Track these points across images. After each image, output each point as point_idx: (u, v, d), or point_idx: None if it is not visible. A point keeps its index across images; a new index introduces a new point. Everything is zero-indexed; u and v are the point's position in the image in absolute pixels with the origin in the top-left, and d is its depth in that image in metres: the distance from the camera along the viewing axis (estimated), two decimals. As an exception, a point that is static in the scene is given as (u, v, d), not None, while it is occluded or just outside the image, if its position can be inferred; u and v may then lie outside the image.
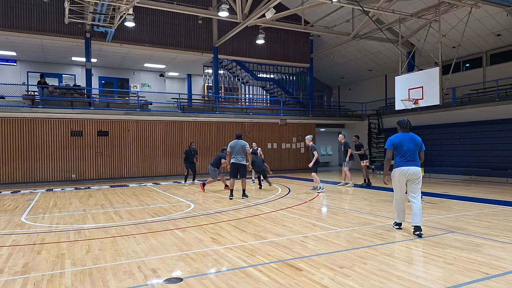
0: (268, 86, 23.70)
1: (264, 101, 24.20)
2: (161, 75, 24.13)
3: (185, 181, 14.65)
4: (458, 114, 17.15)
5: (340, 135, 13.26)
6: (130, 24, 15.26)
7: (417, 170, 5.80)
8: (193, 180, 14.88)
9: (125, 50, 18.94)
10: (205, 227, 6.58)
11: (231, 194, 10.18)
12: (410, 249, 5.02)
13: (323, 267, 4.24)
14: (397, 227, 6.25)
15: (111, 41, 17.57)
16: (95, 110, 16.16)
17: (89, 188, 14.18)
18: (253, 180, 14.82)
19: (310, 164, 11.26)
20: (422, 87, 13.79)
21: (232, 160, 10.11)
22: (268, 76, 23.14)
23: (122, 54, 19.72)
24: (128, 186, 14.71)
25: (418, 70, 14.72)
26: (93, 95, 17.36)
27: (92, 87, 17.95)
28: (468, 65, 19.60)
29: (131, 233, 6.18)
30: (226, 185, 12.29)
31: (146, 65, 22.18)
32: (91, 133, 16.94)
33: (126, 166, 17.62)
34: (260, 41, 19.54)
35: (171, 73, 24.22)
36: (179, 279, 3.91)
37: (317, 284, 3.72)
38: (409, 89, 14.34)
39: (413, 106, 14.18)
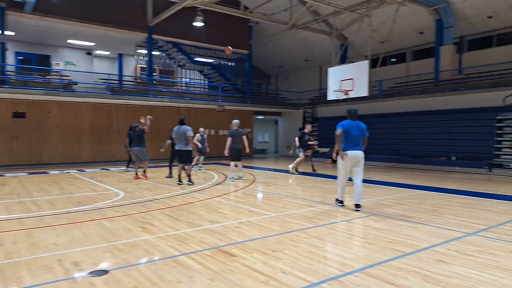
0: (206, 70, 23.24)
1: (202, 86, 23.71)
2: (89, 53, 22.35)
3: (127, 167, 13.95)
4: (384, 105, 18.37)
5: (308, 125, 13.57)
6: (53, -6, 13.84)
7: (361, 154, 6.64)
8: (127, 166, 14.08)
9: (47, 23, 17.13)
10: (136, 216, 6.27)
11: (179, 180, 10.04)
12: (337, 231, 5.33)
13: (256, 252, 4.29)
14: (340, 204, 7.03)
15: (31, 12, 15.78)
16: (9, 89, 14.50)
17: (2, 175, 12.76)
18: (200, 167, 14.53)
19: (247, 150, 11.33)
20: (353, 79, 14.48)
21: (175, 147, 9.88)
22: (206, 60, 22.65)
23: (43, 28, 17.83)
24: (49, 173, 13.52)
25: (350, 63, 15.44)
26: (7, 72, 15.56)
27: (7, 63, 16.07)
28: (394, 59, 21.00)
29: (51, 224, 5.67)
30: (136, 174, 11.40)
31: (71, 41, 20.35)
32: (5, 114, 15.18)
33: (46, 151, 16.12)
34: (198, 24, 18.96)
35: (99, 52, 22.48)
36: (105, 271, 3.66)
37: (249, 269, 3.74)
38: (341, 81, 14.97)
39: (344, 96, 14.86)
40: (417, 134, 16.77)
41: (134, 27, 18.75)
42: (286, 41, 23.25)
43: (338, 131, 6.69)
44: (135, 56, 22.55)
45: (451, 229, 5.37)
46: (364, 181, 10.90)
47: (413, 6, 16.11)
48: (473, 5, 15.84)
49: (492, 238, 4.94)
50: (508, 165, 12.97)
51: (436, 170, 14.72)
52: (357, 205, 6.63)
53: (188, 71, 22.96)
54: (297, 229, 5.32)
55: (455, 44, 17.27)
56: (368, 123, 18.84)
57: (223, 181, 10.94)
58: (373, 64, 14.90)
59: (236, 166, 11.20)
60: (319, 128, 21.85)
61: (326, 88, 16.30)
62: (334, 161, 17.82)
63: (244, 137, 11.13)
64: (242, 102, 21.76)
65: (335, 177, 11.58)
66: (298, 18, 18.51)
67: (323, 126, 21.53)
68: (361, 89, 14.20)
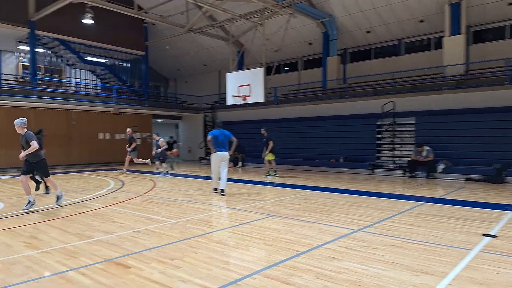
0: (98, 71, 21.79)
1: (94, 87, 22.15)
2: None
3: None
4: (279, 111, 19.52)
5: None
6: None
7: (226, 154, 9.13)
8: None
9: None
10: (17, 230, 5.67)
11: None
12: (237, 234, 5.43)
13: (153, 261, 4.22)
14: (215, 191, 9.33)
15: None
16: None
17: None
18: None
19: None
20: (249, 85, 15.15)
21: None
22: (98, 60, 21.25)
23: None
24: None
25: (246, 69, 16.11)
26: None
27: None
28: (287, 68, 22.50)
29: None
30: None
31: None
32: None
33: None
34: (88, 21, 17.65)
35: (-30, 46, 19.53)
36: (-22, 297, 3.30)
37: (146, 280, 3.68)
38: (238, 86, 15.54)
39: (242, 102, 15.46)
40: (309, 138, 18.01)
41: (13, 21, 16.74)
42: (184, 45, 23.15)
43: (209, 137, 9.16)
44: (16, 53, 20.06)
45: (340, 227, 5.76)
46: (262, 183, 11.67)
47: (302, 18, 17.52)
48: (354, 20, 17.88)
49: (375, 233, 5.36)
50: (388, 166, 14.49)
51: (327, 171, 15.90)
52: (222, 190, 9.08)
53: (78, 71, 21.24)
54: (197, 235, 5.33)
55: (339, 55, 19.27)
56: (266, 128, 19.71)
57: (119, 188, 10.46)
58: (268, 72, 15.77)
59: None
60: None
61: (225, 93, 16.73)
62: (235, 165, 18.55)
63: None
64: (140, 105, 20.99)
65: (234, 180, 12.01)
66: (194, 22, 18.55)
67: (223, 130, 21.93)
68: (258, 95, 14.94)
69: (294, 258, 4.28)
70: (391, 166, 14.41)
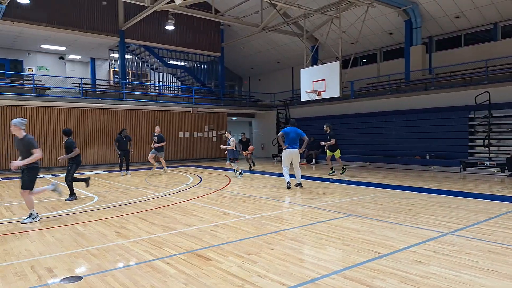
0: (179, 73, 23.14)
1: (175, 89, 23.57)
2: (61, 58, 21.89)
3: (121, 170, 13.73)
4: (356, 105, 18.79)
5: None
6: (24, 0, 13.47)
7: (296, 151, 9.48)
8: (127, 170, 13.70)
9: (19, 29, 16.82)
10: (110, 220, 6.23)
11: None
12: (313, 232, 5.31)
13: (231, 255, 4.31)
14: (288, 187, 9.52)
15: (2, 18, 15.29)
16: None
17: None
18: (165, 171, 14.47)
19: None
20: (324, 79, 14.78)
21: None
22: (178, 63, 22.56)
23: (15, 33, 17.47)
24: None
25: (321, 64, 15.72)
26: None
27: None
28: (365, 60, 21.54)
29: (24, 230, 5.57)
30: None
31: (43, 46, 19.96)
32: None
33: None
34: (170, 27, 18.90)
35: (72, 56, 22.17)
36: (79, 278, 3.64)
37: (224, 272, 3.76)
38: (313, 81, 15.24)
39: (317, 97, 15.14)
40: (390, 134, 17.05)
41: (106, 32, 18.60)
42: (257, 44, 23.44)
43: (280, 133, 9.76)
44: (108, 60, 22.22)
45: (427, 229, 5.35)
46: (339, 181, 11.31)
47: (382, 7, 16.60)
48: (440, 6, 16.43)
49: (469, 237, 4.91)
50: (483, 164, 13.04)
51: (411, 169, 14.82)
52: (299, 184, 9.70)
53: (161, 74, 22.80)
54: (272, 231, 5.34)
55: (424, 44, 17.88)
56: (342, 124, 19.05)
57: (197, 184, 10.94)
58: (344, 65, 15.24)
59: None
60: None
61: (298, 89, 16.55)
62: (309, 162, 18.33)
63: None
64: (216, 104, 21.80)
65: (312, 178, 11.83)
66: (268, 21, 18.70)
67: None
68: (333, 90, 14.51)
69: (375, 260, 4.06)
70: (487, 163, 12.95)
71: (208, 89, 23.26)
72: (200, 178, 12.45)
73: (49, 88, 16.81)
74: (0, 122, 15.37)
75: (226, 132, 13.60)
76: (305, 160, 18.50)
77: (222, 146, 13.24)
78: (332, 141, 12.68)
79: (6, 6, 14.05)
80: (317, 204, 7.49)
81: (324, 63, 15.54)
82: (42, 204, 7.98)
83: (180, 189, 9.88)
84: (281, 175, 13.09)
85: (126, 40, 19.29)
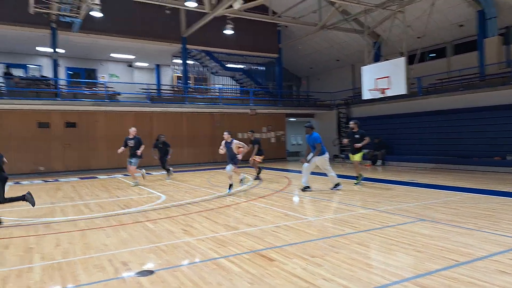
0: (237, 76, 23.57)
1: (234, 91, 24.06)
2: (129, 66, 23.48)
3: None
4: (424, 103, 17.67)
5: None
6: (97, 14, 14.69)
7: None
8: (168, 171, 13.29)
9: (92, 40, 18.30)
10: (176, 218, 6.50)
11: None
12: (380, 237, 5.06)
13: (295, 256, 4.26)
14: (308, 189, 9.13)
15: (78, 31, 16.87)
16: (62, 101, 15.63)
17: (57, 180, 13.69)
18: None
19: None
20: (388, 77, 14.12)
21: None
22: (237, 66, 23.01)
23: (89, 44, 19.03)
24: (97, 178, 14.27)
25: (384, 60, 15.05)
26: (60, 86, 16.72)
27: (59, 77, 17.24)
28: (433, 55, 20.25)
29: (101, 226, 6.02)
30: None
31: (113, 55, 21.51)
32: (58, 125, 16.34)
33: (95, 157, 17.09)
34: (229, 32, 19.35)
35: (139, 64, 23.61)
36: (151, 272, 3.84)
37: (289, 274, 3.73)
38: (376, 79, 14.64)
39: (380, 95, 14.52)
40: (464, 133, 15.76)
41: (169, 39, 19.53)
42: (315, 43, 23.09)
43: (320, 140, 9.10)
44: (171, 66, 23.36)
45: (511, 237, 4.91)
46: (408, 184, 10.70)
47: (449, -1, 15.52)
48: (517, -7, 14.97)
49: None
50: None
51: (489, 171, 13.51)
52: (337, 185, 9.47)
53: (220, 77, 23.43)
54: (337, 235, 5.19)
55: (501, 35, 16.34)
56: (409, 122, 18.05)
57: (257, 184, 11.03)
58: (410, 61, 14.42)
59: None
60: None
61: (360, 88, 15.99)
62: (374, 163, 17.62)
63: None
64: (274, 105, 21.86)
65: (374, 180, 11.39)
66: (327, 19, 18.34)
67: (358, 127, 21.10)
68: (399, 87, 13.81)
69: (452, 268, 3.79)
70: None
71: (266, 90, 23.42)
72: (260, 179, 12.55)
73: (119, 94, 18.06)
74: (79, 126, 16.75)
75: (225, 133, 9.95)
76: (369, 162, 17.85)
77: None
78: (367, 139, 10.16)
79: (81, 20, 15.49)
80: (384, 207, 7.14)
81: (387, 60, 14.87)
82: (116, 202, 8.55)
83: (241, 190, 10.02)
84: (345, 177, 12.77)
85: (187, 46, 20.10)
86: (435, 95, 17.21)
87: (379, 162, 17.72)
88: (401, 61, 13.74)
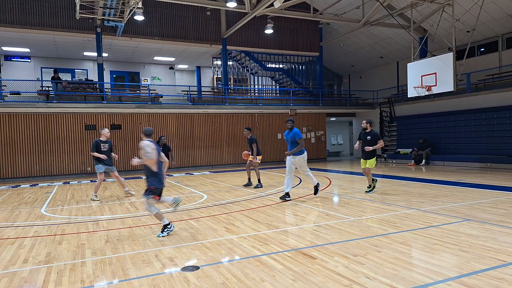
0: (277, 76, 23.60)
1: (274, 92, 24.11)
2: (171, 68, 24.25)
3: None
4: (473, 100, 16.80)
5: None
6: (139, 17, 15.34)
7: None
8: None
9: (135, 43, 19.07)
10: (218, 217, 6.67)
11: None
12: (424, 237, 4.98)
13: (336, 255, 4.27)
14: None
15: (121, 35, 17.71)
16: (107, 104, 16.42)
17: (104, 180, 14.33)
18: None
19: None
20: (435, 73, 13.57)
21: None
22: (277, 66, 23.02)
23: (132, 47, 19.85)
24: (142, 178, 14.89)
25: (431, 56, 14.46)
26: (105, 89, 17.60)
27: (104, 81, 18.18)
28: (483, 49, 19.16)
29: (147, 224, 6.31)
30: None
31: (156, 58, 22.29)
32: (104, 127, 17.19)
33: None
34: (269, 31, 19.41)
35: (180, 66, 24.30)
36: (196, 267, 4.00)
37: (331, 272, 3.76)
38: (422, 76, 14.12)
39: (426, 93, 13.97)
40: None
41: (209, 41, 19.94)
42: (358, 40, 22.58)
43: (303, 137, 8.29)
44: (212, 67, 23.84)
45: None
46: (455, 183, 10.29)
47: (503, -12, 14.62)
48: None
49: None
50: None
51: None
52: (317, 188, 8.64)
53: (260, 78, 23.55)
54: (379, 234, 5.15)
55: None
56: (455, 120, 17.29)
57: (297, 184, 11.02)
58: (458, 56, 13.76)
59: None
60: (397, 127, 20.80)
61: (404, 85, 15.46)
62: (418, 162, 17.01)
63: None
64: (314, 104, 21.66)
65: (418, 180, 11.02)
66: (370, 15, 17.91)
67: (402, 126, 20.45)
68: (446, 84, 13.23)
69: (499, 268, 3.69)
70: None
71: (306, 89, 23.26)
72: (300, 179, 12.51)
73: (161, 97, 18.72)
74: (124, 128, 17.52)
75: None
76: (413, 161, 17.25)
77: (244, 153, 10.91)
78: (381, 143, 8.67)
79: (124, 24, 16.22)
80: (428, 207, 6.93)
81: (434, 55, 14.26)
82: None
83: (281, 190, 10.06)
84: (385, 176, 12.46)
85: (227, 47, 20.40)
86: (485, 91, 16.30)
87: (423, 161, 17.06)
88: (449, 57, 13.15)
